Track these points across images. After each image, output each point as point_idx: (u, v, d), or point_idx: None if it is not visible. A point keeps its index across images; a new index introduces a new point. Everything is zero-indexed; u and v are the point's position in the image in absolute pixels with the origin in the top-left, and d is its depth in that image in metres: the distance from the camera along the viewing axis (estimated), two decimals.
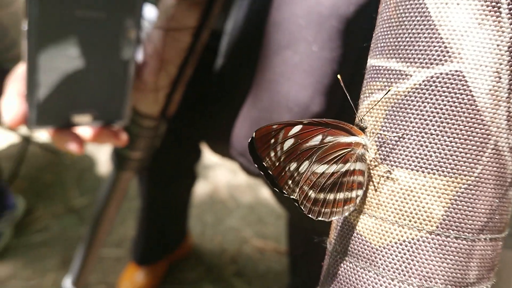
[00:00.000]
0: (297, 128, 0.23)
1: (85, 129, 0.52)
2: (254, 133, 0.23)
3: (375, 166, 0.24)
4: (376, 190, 0.24)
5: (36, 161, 1.64)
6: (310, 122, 0.23)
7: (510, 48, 0.22)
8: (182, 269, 1.29)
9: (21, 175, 1.52)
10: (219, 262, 1.33)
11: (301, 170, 0.24)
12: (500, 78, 0.22)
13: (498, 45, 0.22)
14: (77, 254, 0.89)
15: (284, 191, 0.25)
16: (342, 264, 0.25)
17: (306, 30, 0.49)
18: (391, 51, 0.24)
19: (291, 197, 0.25)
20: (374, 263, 0.24)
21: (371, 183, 0.25)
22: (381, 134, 0.24)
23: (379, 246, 0.24)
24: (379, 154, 0.24)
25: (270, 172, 0.24)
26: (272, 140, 0.23)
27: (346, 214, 0.25)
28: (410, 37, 0.23)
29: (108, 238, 1.35)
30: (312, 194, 0.24)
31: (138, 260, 1.19)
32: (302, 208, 0.24)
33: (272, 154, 0.23)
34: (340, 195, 0.24)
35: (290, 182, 0.24)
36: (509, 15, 0.21)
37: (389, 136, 0.24)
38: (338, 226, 0.26)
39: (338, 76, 0.26)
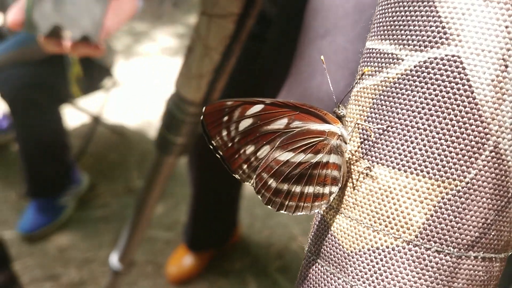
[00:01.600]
0: (257, 108, 0.21)
1: (67, 42, 0.73)
2: (204, 108, 0.21)
3: (356, 161, 0.22)
4: (354, 188, 0.21)
5: (103, 141, 1.74)
6: (274, 103, 0.21)
7: None
8: (227, 258, 1.30)
9: (88, 153, 1.62)
10: (264, 256, 1.32)
11: (260, 155, 0.22)
12: (506, 67, 0.18)
13: (507, 27, 0.18)
14: (123, 233, 0.93)
15: (237, 175, 0.23)
16: (314, 267, 0.22)
17: (344, 19, 0.46)
18: (385, 32, 0.21)
19: (246, 183, 0.23)
20: (344, 269, 0.21)
21: (350, 179, 0.22)
22: (363, 125, 0.21)
23: (351, 251, 0.21)
24: (362, 148, 0.21)
25: (220, 153, 0.22)
26: (225, 118, 0.21)
27: (316, 211, 0.22)
28: (407, 16, 0.20)
29: (161, 221, 1.40)
30: (272, 183, 0.22)
31: (188, 244, 1.21)
32: (259, 197, 0.22)
33: (224, 133, 0.21)
34: (309, 189, 0.22)
35: (245, 166, 0.22)
36: None
37: (373, 128, 0.21)
38: (315, 225, 0.23)
39: (322, 57, 0.23)
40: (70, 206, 1.40)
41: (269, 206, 0.22)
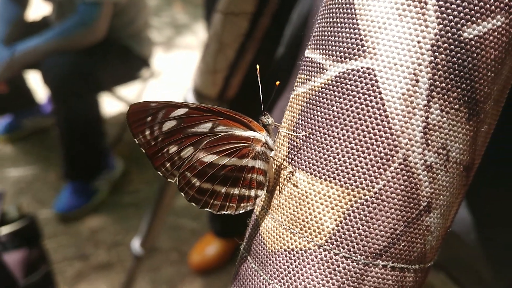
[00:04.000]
0: (181, 111, 0.22)
1: None
2: (129, 107, 0.22)
3: (285, 166, 0.22)
4: (279, 191, 0.22)
5: None
6: (198, 107, 0.22)
7: (434, 48, 0.18)
8: None
9: (123, 140, 1.69)
10: None
11: (184, 155, 0.23)
12: (417, 81, 0.18)
13: (419, 42, 0.18)
14: (144, 220, 0.97)
15: (160, 172, 0.24)
16: (244, 263, 0.24)
17: None
18: (317, 41, 0.21)
19: (168, 180, 0.24)
20: (265, 267, 0.22)
21: (277, 182, 0.23)
22: (287, 132, 0.22)
23: (272, 251, 0.22)
24: (289, 154, 0.22)
25: (143, 150, 0.23)
26: (149, 118, 0.22)
27: (241, 211, 0.23)
28: (333, 27, 0.21)
29: (188, 211, 1.44)
30: (196, 182, 0.23)
31: (214, 230, 1.23)
32: (182, 194, 0.23)
33: (147, 132, 0.23)
34: (235, 191, 0.23)
35: (168, 164, 0.23)
36: (436, 7, 0.18)
37: (298, 135, 0.21)
38: (250, 224, 0.24)
39: (257, 66, 0.24)
40: (103, 190, 1.47)
41: (193, 203, 0.23)
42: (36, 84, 1.70)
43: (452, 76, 0.18)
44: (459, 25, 0.18)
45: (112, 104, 1.80)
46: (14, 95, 1.56)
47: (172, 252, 1.35)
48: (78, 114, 1.35)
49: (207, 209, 0.24)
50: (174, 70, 2.28)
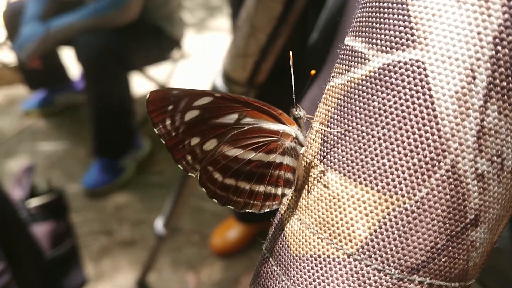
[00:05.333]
0: (205, 100, 0.20)
1: None
2: (149, 94, 0.21)
3: (316, 165, 0.20)
4: (308, 191, 0.20)
5: None
6: (224, 96, 0.20)
7: (496, 40, 0.16)
8: None
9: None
10: None
11: (206, 147, 0.21)
12: (474, 78, 0.16)
13: (479, 33, 0.16)
14: (168, 201, 0.97)
15: (180, 166, 0.22)
16: (266, 265, 0.22)
17: None
18: (360, 28, 0.19)
19: (189, 174, 0.22)
20: (288, 272, 0.20)
21: (307, 181, 0.21)
22: (320, 128, 0.20)
23: (296, 255, 0.20)
24: (321, 151, 0.20)
25: (163, 141, 0.22)
26: (170, 107, 0.21)
27: (266, 210, 0.21)
28: (379, 13, 0.18)
29: None
30: (219, 177, 0.21)
31: (237, 215, 1.23)
32: (204, 190, 0.22)
33: (168, 122, 0.21)
34: (260, 188, 0.21)
35: (189, 157, 0.22)
36: None
37: (333, 131, 0.20)
38: (274, 223, 0.23)
39: (290, 53, 0.22)
40: (130, 169, 1.49)
41: (214, 200, 0.22)
42: (70, 61, 1.72)
43: None
44: None
45: (142, 84, 1.81)
46: (48, 70, 1.58)
47: (194, 234, 1.36)
48: (109, 92, 1.36)
49: (230, 207, 0.22)
50: (205, 52, 2.27)
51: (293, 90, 0.21)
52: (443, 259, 0.17)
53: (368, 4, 0.19)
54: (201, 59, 2.19)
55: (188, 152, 0.22)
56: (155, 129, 0.21)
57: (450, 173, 0.17)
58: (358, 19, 0.20)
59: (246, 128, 0.21)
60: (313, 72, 0.21)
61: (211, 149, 0.21)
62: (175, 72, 1.71)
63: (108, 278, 1.21)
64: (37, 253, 0.81)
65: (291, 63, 0.21)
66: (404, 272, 0.17)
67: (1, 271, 0.65)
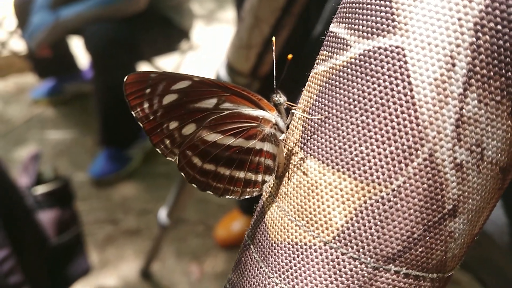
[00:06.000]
0: (183, 84, 0.20)
1: None
2: (126, 77, 0.20)
3: (296, 152, 0.20)
4: (288, 179, 0.20)
5: None
6: (203, 81, 0.20)
7: (477, 27, 0.15)
8: None
9: None
10: None
11: (185, 132, 0.21)
12: (454, 65, 0.16)
13: (459, 19, 0.15)
14: (172, 191, 0.97)
15: (158, 149, 0.22)
16: (246, 252, 0.22)
17: None
18: (344, 14, 0.19)
19: (168, 158, 0.22)
20: (266, 259, 0.20)
21: (287, 169, 0.21)
22: (300, 114, 0.19)
23: (275, 242, 0.20)
24: (302, 138, 0.20)
25: (141, 124, 0.21)
26: (148, 90, 0.20)
27: (246, 196, 0.21)
28: None
29: None
30: (198, 162, 0.21)
31: (242, 208, 1.24)
32: (182, 174, 0.22)
33: (146, 105, 0.21)
34: (240, 174, 0.21)
35: (168, 141, 0.22)
36: None
37: (313, 118, 0.19)
38: (256, 211, 0.23)
39: (273, 38, 0.22)
40: (136, 159, 1.50)
41: (193, 185, 0.22)
42: (79, 50, 1.73)
43: (496, 62, 0.15)
44: (510, 1, 0.15)
45: None
46: (57, 59, 1.59)
47: (198, 224, 1.37)
48: (117, 81, 1.36)
49: (210, 192, 0.22)
50: (213, 44, 2.27)
51: (275, 75, 0.21)
52: (420, 249, 0.17)
53: None
54: (209, 51, 2.19)
55: (167, 136, 0.22)
56: (132, 113, 0.21)
57: (427, 162, 0.16)
58: (343, 5, 0.19)
59: (225, 113, 0.21)
60: (289, 56, 0.21)
61: (190, 133, 0.21)
62: (183, 63, 1.71)
63: (113, 266, 1.22)
64: (42, 240, 0.82)
65: (273, 48, 0.21)
66: (380, 261, 0.17)
67: (6, 256, 0.65)
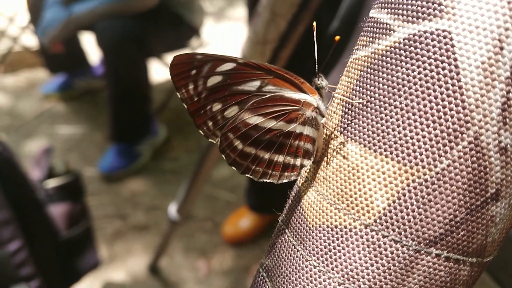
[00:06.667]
0: (228, 66, 0.20)
1: None
2: (172, 58, 0.21)
3: (336, 136, 0.20)
4: (327, 163, 0.20)
5: None
6: (247, 63, 0.20)
7: None
8: None
9: (168, 107, 1.71)
10: None
11: (228, 114, 0.21)
12: (502, 49, 0.16)
13: (509, 2, 0.16)
14: (182, 187, 0.98)
15: (201, 131, 0.22)
16: (281, 236, 0.22)
17: None
18: (386, 0, 0.19)
19: (210, 140, 0.22)
20: (304, 242, 0.20)
21: (326, 153, 0.21)
22: (342, 98, 0.20)
23: (312, 226, 0.20)
24: (342, 122, 0.20)
25: (185, 106, 0.22)
26: (193, 71, 0.21)
27: (284, 180, 0.21)
28: None
29: (225, 183, 1.45)
30: (239, 145, 0.21)
31: (250, 205, 1.24)
32: (223, 156, 0.22)
33: (191, 86, 0.21)
34: (279, 158, 0.21)
35: (210, 123, 0.22)
36: None
37: (354, 102, 0.19)
38: (291, 195, 0.23)
39: (314, 24, 0.22)
40: (146, 155, 1.50)
41: (233, 167, 0.22)
42: (90, 46, 1.74)
43: None
44: None
45: (160, 71, 1.82)
46: (69, 55, 1.60)
47: (206, 221, 1.37)
48: (128, 77, 1.37)
49: (248, 175, 0.22)
50: (223, 42, 2.27)
51: (316, 59, 0.21)
52: (462, 233, 0.17)
53: None
54: (219, 48, 2.19)
55: (210, 118, 0.22)
56: (177, 93, 0.22)
57: (472, 145, 0.16)
58: None
59: (267, 96, 0.21)
60: (337, 38, 0.21)
61: (232, 115, 0.22)
62: None
63: (121, 261, 1.23)
64: (53, 233, 0.82)
65: (314, 33, 0.21)
66: (422, 244, 0.17)
67: (18, 248, 0.66)
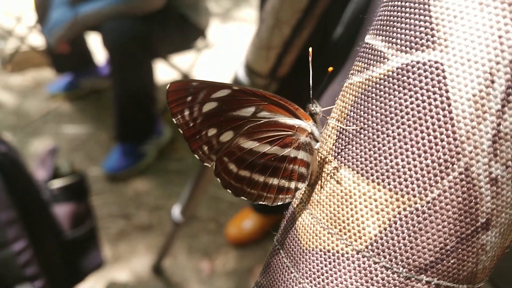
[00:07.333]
0: (223, 92, 0.21)
1: None
2: (169, 85, 0.21)
3: (330, 161, 0.21)
4: (321, 187, 0.21)
5: None
6: (242, 90, 0.21)
7: None
8: None
9: None
10: None
11: (223, 139, 0.22)
12: (493, 82, 0.16)
13: (500, 37, 0.16)
14: (186, 189, 0.98)
15: (196, 155, 0.23)
16: (276, 256, 0.22)
17: None
18: (381, 27, 0.19)
19: (205, 164, 0.23)
20: (297, 265, 0.21)
21: (320, 177, 0.21)
22: (336, 124, 0.20)
23: (306, 249, 0.20)
24: (335, 147, 0.20)
25: (181, 131, 0.22)
26: (189, 98, 0.21)
27: (279, 203, 0.22)
28: (401, 12, 0.18)
29: None
30: (234, 168, 0.22)
31: (254, 206, 1.24)
32: (219, 180, 0.22)
33: (187, 112, 0.21)
34: (273, 181, 0.21)
35: (205, 148, 0.22)
36: None
37: (348, 128, 0.20)
38: (287, 216, 0.23)
39: (310, 50, 0.22)
40: (150, 155, 1.51)
41: (228, 190, 0.22)
42: (96, 46, 1.75)
43: None
44: None
45: (165, 72, 1.83)
46: (75, 55, 1.61)
47: (210, 222, 1.37)
48: (133, 78, 1.37)
49: (243, 198, 0.22)
50: (229, 42, 2.28)
51: (311, 85, 0.22)
52: (452, 261, 0.17)
53: (390, 3, 0.19)
54: (225, 49, 2.20)
55: (205, 142, 0.22)
56: (173, 119, 0.22)
57: (463, 175, 0.17)
58: (380, 17, 0.20)
59: (262, 121, 0.21)
60: (330, 69, 0.22)
61: (227, 140, 0.22)
62: (199, 61, 1.71)
63: (125, 260, 1.24)
64: (58, 233, 0.83)
65: (310, 59, 0.22)
66: (412, 271, 0.18)
67: (23, 248, 0.67)
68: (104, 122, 1.67)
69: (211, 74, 2.01)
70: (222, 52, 2.17)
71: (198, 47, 1.58)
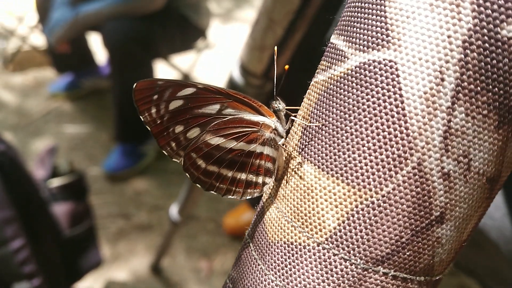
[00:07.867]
0: (188, 91, 0.21)
1: None
2: (135, 84, 0.22)
3: (294, 156, 0.21)
4: (287, 182, 0.21)
5: None
6: (207, 88, 0.21)
7: (466, 44, 0.16)
8: None
9: None
10: None
11: (190, 135, 0.22)
12: (443, 80, 0.17)
13: (449, 37, 0.16)
14: (184, 188, 0.99)
15: (165, 151, 0.23)
16: (246, 249, 0.23)
17: None
18: (343, 27, 0.20)
19: (174, 159, 0.23)
20: (264, 257, 0.21)
21: (286, 172, 0.22)
22: (298, 121, 0.21)
23: (272, 241, 0.21)
24: (300, 143, 0.21)
25: (148, 128, 0.23)
26: (155, 96, 0.22)
27: (248, 197, 0.22)
28: (360, 13, 0.19)
29: None
30: (202, 164, 0.22)
31: (251, 203, 1.25)
32: (187, 175, 0.23)
33: (153, 110, 0.22)
34: (241, 176, 0.22)
35: (173, 144, 0.23)
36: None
37: (311, 125, 0.20)
38: (256, 211, 0.24)
39: (275, 48, 0.23)
40: (150, 155, 1.52)
41: (197, 185, 0.23)
42: (97, 46, 1.76)
43: (483, 77, 0.16)
44: (497, 21, 0.15)
45: (165, 72, 1.84)
46: (76, 55, 1.62)
47: (209, 221, 1.38)
48: (134, 78, 1.38)
49: (213, 192, 0.23)
50: (230, 43, 2.28)
51: (275, 83, 0.22)
52: (408, 253, 0.18)
53: (351, 4, 0.20)
54: (225, 50, 2.20)
55: (172, 139, 0.23)
56: (141, 117, 0.23)
57: (416, 170, 0.17)
58: (343, 18, 0.20)
59: (227, 118, 0.22)
60: (286, 67, 0.22)
61: (194, 137, 0.23)
62: (199, 61, 1.72)
63: (124, 260, 1.24)
64: (56, 232, 0.84)
65: (275, 56, 0.22)
66: (369, 263, 0.18)
67: (21, 246, 0.67)
68: (104, 122, 1.68)
69: (211, 74, 2.02)
70: (223, 53, 2.18)
71: (198, 48, 1.59)
